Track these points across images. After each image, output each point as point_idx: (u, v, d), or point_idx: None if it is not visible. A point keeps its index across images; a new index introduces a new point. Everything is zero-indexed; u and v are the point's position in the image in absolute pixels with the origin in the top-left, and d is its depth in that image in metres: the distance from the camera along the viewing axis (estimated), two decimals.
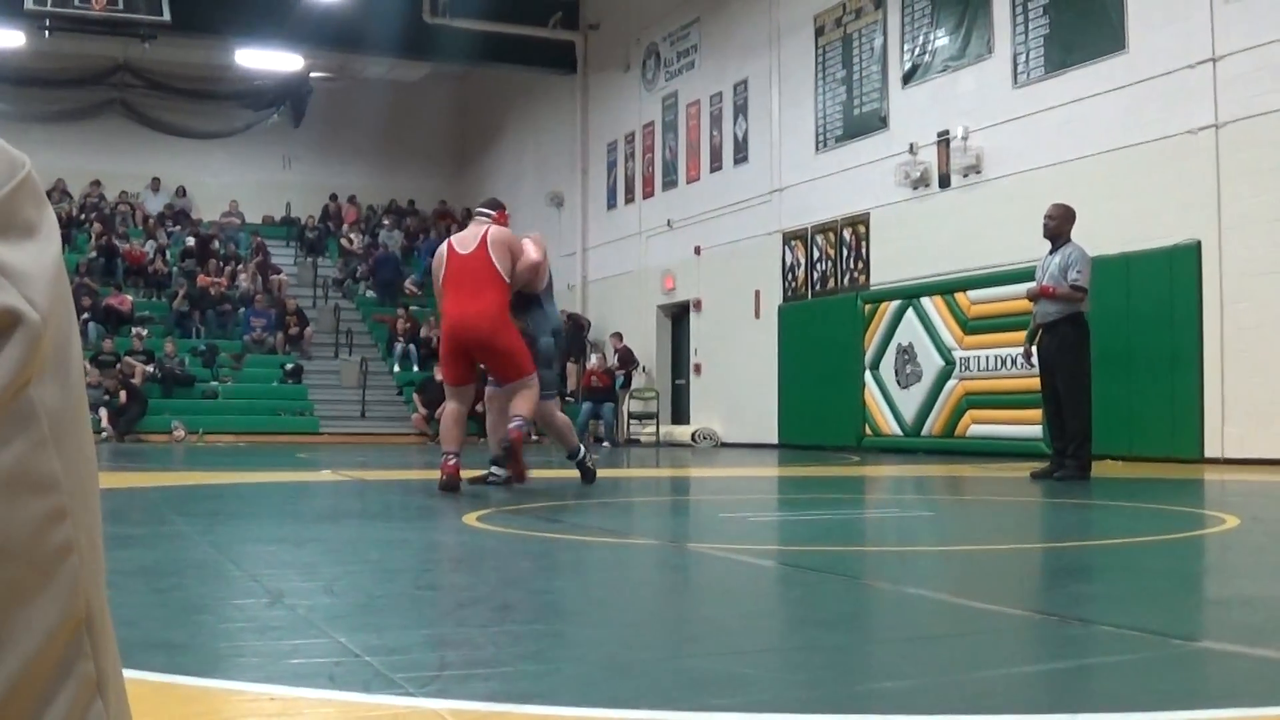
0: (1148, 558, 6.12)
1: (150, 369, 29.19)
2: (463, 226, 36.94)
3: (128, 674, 0.86)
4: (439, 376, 10.78)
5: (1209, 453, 15.69)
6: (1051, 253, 12.48)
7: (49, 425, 0.72)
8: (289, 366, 31.67)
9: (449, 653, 3.38)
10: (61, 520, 0.73)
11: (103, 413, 27.15)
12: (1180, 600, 4.77)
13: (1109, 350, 15.39)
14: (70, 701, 0.74)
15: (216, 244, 35.38)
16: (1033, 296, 12.51)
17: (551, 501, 9.36)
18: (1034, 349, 12.69)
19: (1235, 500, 10.47)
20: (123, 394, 27.89)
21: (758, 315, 25.33)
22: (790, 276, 24.73)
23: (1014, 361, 17.51)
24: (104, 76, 37.13)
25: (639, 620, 4.42)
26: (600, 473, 11.80)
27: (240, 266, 34.88)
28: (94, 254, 33.63)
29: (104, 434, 26.55)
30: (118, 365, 28.38)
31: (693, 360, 27.85)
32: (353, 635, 3.63)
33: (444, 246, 10.50)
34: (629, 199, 30.79)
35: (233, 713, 2.80)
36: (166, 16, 27.87)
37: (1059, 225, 12.53)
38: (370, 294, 35.77)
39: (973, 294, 19.48)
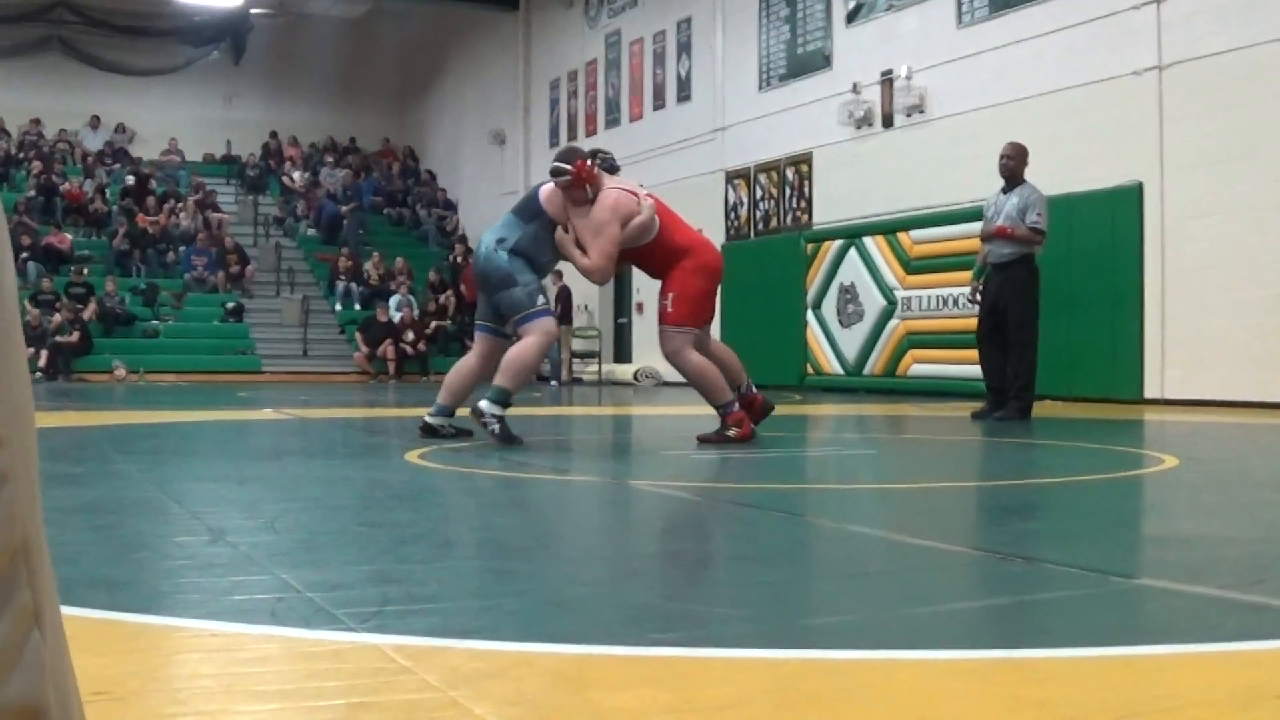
0: (1088, 496, 6.17)
1: (93, 308, 28.98)
2: (405, 165, 36.44)
3: (68, 612, 0.85)
4: (691, 323, 9.27)
5: (1149, 393, 15.81)
6: (1005, 192, 12.49)
7: None
8: (230, 305, 31.51)
9: (390, 589, 3.38)
10: None
11: (43, 353, 26.96)
12: (1120, 538, 4.80)
13: (1051, 291, 15.39)
14: (8, 631, 0.73)
15: (154, 183, 35.01)
16: (988, 236, 12.49)
17: (493, 439, 9.35)
18: (979, 287, 12.72)
19: (1174, 441, 10.55)
20: (75, 334, 27.74)
21: None
22: (733, 216, 24.72)
23: (956, 301, 17.58)
24: (42, 13, 36.69)
25: (580, 556, 4.42)
26: (543, 411, 11.79)
27: (180, 205, 34.57)
28: (33, 192, 33.29)
29: (37, 375, 26.25)
30: (56, 304, 28.16)
31: (635, 299, 27.79)
32: (294, 572, 3.62)
33: (625, 191, 9.25)
34: (571, 137, 30.66)
35: (174, 649, 2.79)
36: None
37: (1017, 165, 12.53)
38: (312, 232, 35.59)
39: (915, 234, 19.52)
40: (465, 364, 9.51)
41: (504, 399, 8.80)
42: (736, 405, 9.29)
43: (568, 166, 9.08)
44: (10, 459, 0.73)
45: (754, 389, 9.76)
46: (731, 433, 9.11)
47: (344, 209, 35.84)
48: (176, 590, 3.49)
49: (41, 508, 0.81)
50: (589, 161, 9.19)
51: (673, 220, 9.50)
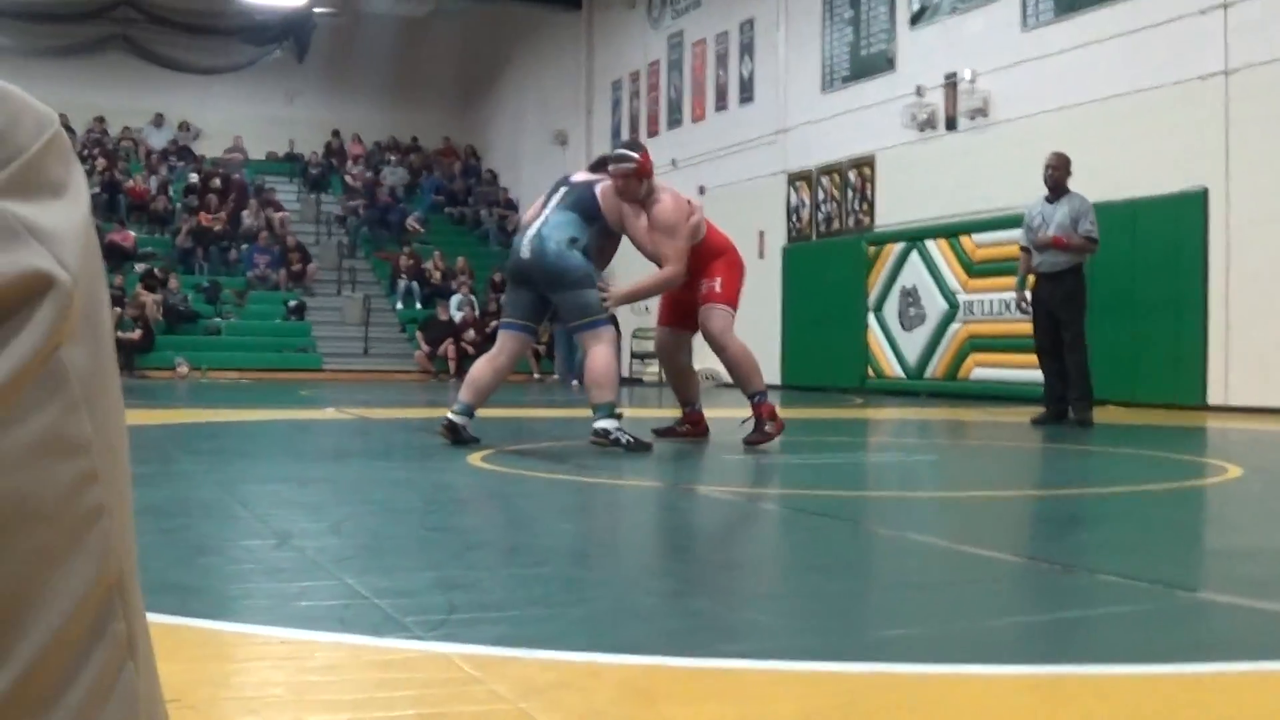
0: (1150, 507, 6.14)
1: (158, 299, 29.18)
2: (465, 163, 36.36)
3: None
4: (735, 306, 9.47)
5: (1212, 400, 15.68)
6: (1051, 201, 12.45)
7: (80, 388, 0.72)
8: (292, 303, 31.61)
9: (457, 595, 3.40)
10: (93, 483, 0.73)
11: None
12: (1182, 551, 4.78)
13: (1114, 296, 15.39)
14: (103, 661, 0.74)
15: (217, 181, 35.13)
16: (1043, 245, 12.42)
17: (554, 441, 9.36)
18: (1027, 294, 12.70)
19: (1238, 449, 10.47)
20: (138, 331, 27.87)
21: (762, 256, 25.22)
22: (795, 218, 24.67)
23: (1018, 305, 17.52)
24: (106, 11, 36.90)
25: (645, 564, 4.44)
26: None
27: (235, 197, 34.68)
28: (97, 190, 33.47)
29: None
30: (124, 301, 28.33)
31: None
32: (361, 577, 3.64)
33: (684, 199, 9.47)
34: (633, 138, 30.68)
35: (244, 656, 2.82)
36: None
37: (1061, 175, 12.53)
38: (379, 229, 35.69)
39: (977, 237, 19.43)
40: (496, 363, 9.23)
41: (613, 411, 8.65)
42: (768, 395, 9.28)
43: (635, 155, 8.98)
44: (106, 493, 0.75)
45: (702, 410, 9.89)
46: (769, 428, 9.12)
47: (345, 205, 35.99)
48: (245, 595, 3.52)
49: (135, 538, 0.82)
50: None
51: (709, 224, 9.60)
